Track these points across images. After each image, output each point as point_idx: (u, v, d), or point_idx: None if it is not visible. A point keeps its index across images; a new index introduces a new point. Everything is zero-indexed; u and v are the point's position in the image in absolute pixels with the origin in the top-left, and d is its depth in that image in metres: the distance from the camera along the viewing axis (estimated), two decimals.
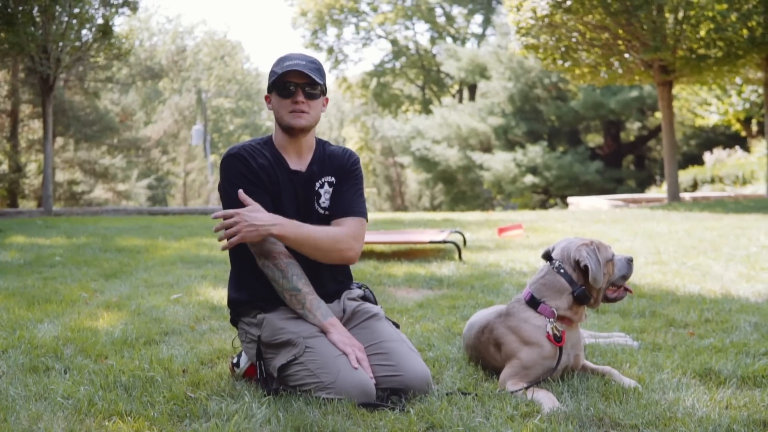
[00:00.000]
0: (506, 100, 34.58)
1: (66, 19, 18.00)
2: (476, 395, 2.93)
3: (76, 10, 17.89)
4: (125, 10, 19.77)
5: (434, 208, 41.55)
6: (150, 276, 6.53)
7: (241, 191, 3.05)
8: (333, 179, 3.25)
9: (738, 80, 22.98)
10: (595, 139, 36.80)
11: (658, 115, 29.28)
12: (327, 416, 2.68)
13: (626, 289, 3.30)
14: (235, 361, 3.31)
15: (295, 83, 3.08)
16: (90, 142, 29.08)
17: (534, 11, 18.85)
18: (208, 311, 4.88)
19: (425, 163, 36.98)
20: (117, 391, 3.02)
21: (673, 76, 19.54)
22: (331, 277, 3.27)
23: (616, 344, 3.80)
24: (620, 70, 20.05)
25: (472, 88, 41.42)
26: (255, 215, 2.99)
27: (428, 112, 42.29)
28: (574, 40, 19.60)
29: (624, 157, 35.91)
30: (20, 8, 16.70)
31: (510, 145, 34.28)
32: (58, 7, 17.30)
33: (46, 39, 17.59)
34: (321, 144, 3.31)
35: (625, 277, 3.25)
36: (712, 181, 27.18)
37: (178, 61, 37.89)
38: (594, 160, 32.65)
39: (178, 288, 5.86)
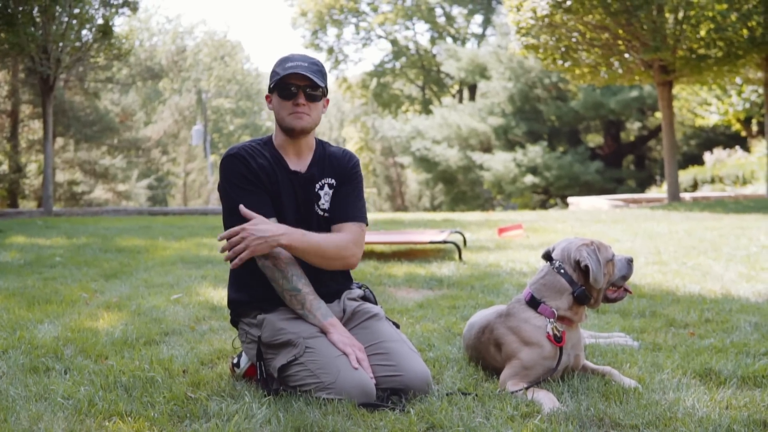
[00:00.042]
0: (506, 100, 34.58)
1: (66, 19, 18.00)
2: (476, 395, 2.93)
3: (76, 11, 17.89)
4: (125, 10, 19.77)
5: (434, 208, 41.54)
6: (150, 276, 6.53)
7: (242, 206, 3.03)
8: (333, 181, 3.26)
9: (738, 80, 22.98)
10: (595, 139, 36.80)
11: (658, 115, 29.28)
12: (327, 416, 2.68)
13: (626, 290, 3.30)
14: (235, 361, 3.31)
15: (297, 85, 3.08)
16: (90, 143, 29.08)
17: (534, 11, 18.85)
18: (209, 311, 4.88)
19: (425, 163, 36.98)
20: (117, 392, 3.02)
21: (673, 76, 19.54)
22: (330, 278, 3.27)
23: (616, 344, 3.80)
24: (620, 70, 20.05)
25: (472, 88, 41.42)
26: (261, 227, 2.98)
27: (428, 112, 42.29)
28: (574, 40, 19.59)
29: (624, 157, 35.91)
30: (20, 8, 16.70)
31: (510, 145, 34.28)
32: (58, 8, 17.30)
33: (46, 39, 17.59)
34: (321, 145, 3.31)
35: (625, 278, 3.25)
36: (713, 181, 27.18)
37: (178, 62, 37.90)
38: (594, 160, 32.65)
39: (178, 288, 5.86)
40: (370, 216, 16.83)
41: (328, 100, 3.22)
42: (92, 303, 5.22)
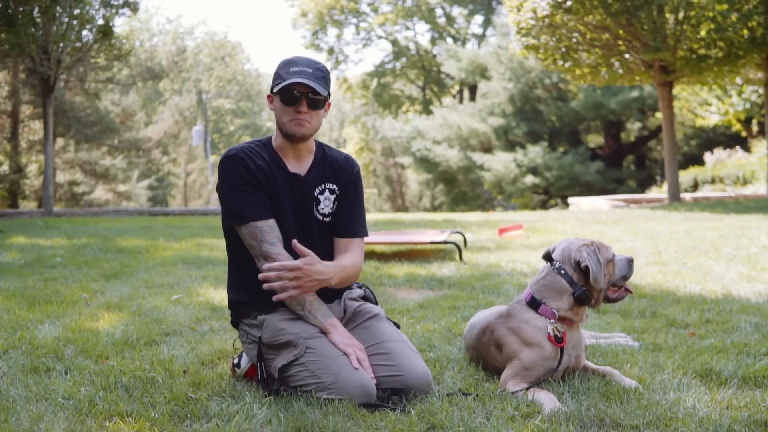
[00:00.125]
0: (507, 101, 34.58)
1: (66, 19, 18.00)
2: (477, 396, 2.93)
3: (77, 11, 17.90)
4: (125, 10, 19.78)
5: (435, 208, 41.54)
6: (150, 277, 6.53)
7: (295, 240, 2.99)
8: (335, 187, 3.25)
9: (738, 80, 22.98)
10: (595, 140, 36.80)
11: (659, 115, 29.29)
12: (328, 417, 2.68)
13: (627, 290, 3.30)
14: (236, 361, 3.31)
15: (300, 91, 3.06)
16: (90, 143, 29.09)
17: (534, 12, 18.85)
18: (209, 312, 4.88)
19: (426, 163, 36.98)
20: (118, 392, 3.02)
21: (673, 76, 19.54)
22: None
23: (616, 345, 3.80)
24: (621, 71, 20.05)
25: (473, 89, 41.43)
26: (317, 269, 2.98)
27: (429, 112, 42.29)
28: (574, 40, 19.60)
29: (624, 157, 35.91)
30: (21, 9, 16.71)
31: (510, 146, 34.29)
32: (58, 8, 17.30)
33: (46, 40, 17.59)
34: (321, 148, 3.30)
35: (625, 278, 3.25)
36: (713, 181, 27.18)
37: (179, 62, 37.89)
38: (594, 161, 32.65)
39: (178, 289, 5.86)
40: (371, 216, 16.86)
41: (329, 104, 3.21)
42: (93, 303, 5.22)
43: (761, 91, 23.50)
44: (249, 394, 2.96)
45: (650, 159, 36.27)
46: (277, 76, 3.11)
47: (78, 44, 18.76)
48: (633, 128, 35.57)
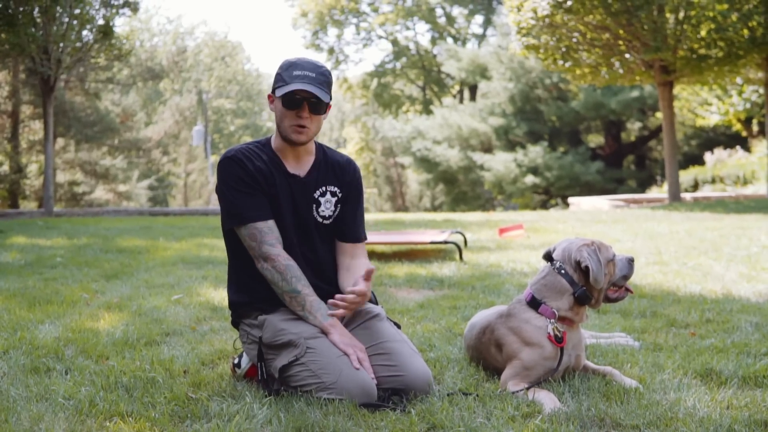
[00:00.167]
0: (507, 101, 34.58)
1: (66, 19, 18.01)
2: (477, 396, 2.93)
3: (77, 11, 17.90)
4: (126, 10, 19.78)
5: (435, 208, 41.55)
6: (151, 277, 6.53)
7: (360, 287, 3.02)
8: (336, 189, 3.25)
9: (739, 80, 22.99)
10: (595, 140, 36.81)
11: (659, 115, 29.29)
12: (328, 417, 2.68)
13: (627, 290, 3.29)
14: (236, 361, 3.31)
15: (302, 96, 3.05)
16: (91, 143, 29.10)
17: (535, 11, 18.85)
18: (209, 312, 4.88)
19: (426, 163, 36.98)
20: (118, 392, 3.02)
21: (673, 76, 19.54)
22: (330, 278, 3.27)
23: (617, 344, 3.80)
24: (621, 71, 20.05)
25: (473, 89, 41.43)
26: (369, 290, 3.08)
27: (429, 112, 42.30)
28: (574, 40, 19.60)
29: (625, 157, 35.92)
30: (21, 9, 16.71)
31: (511, 146, 34.29)
32: (58, 8, 17.31)
33: (46, 40, 17.60)
34: (321, 149, 3.30)
35: (626, 278, 3.25)
36: (713, 181, 27.18)
37: (179, 62, 37.91)
38: (595, 161, 32.66)
39: (179, 289, 5.86)
40: (371, 216, 16.87)
41: (330, 106, 3.20)
42: (93, 303, 5.22)
43: (761, 90, 23.50)
44: (249, 394, 2.96)
45: (650, 159, 36.27)
46: (280, 79, 3.09)
47: (78, 44, 18.77)
48: (633, 128, 35.58)
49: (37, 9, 17.13)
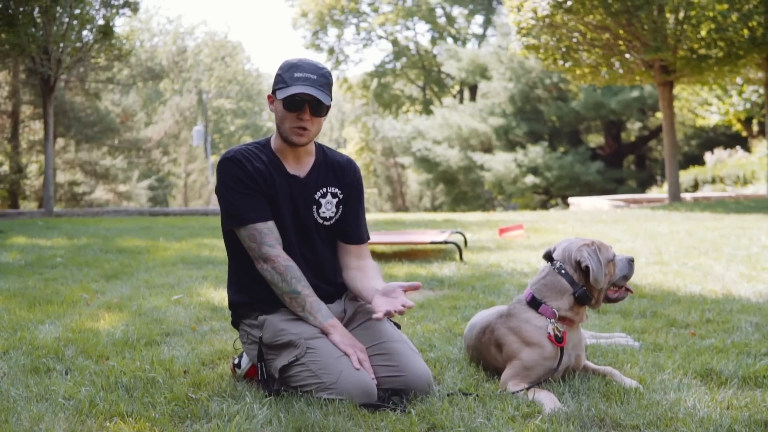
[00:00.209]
0: (507, 101, 34.58)
1: (67, 20, 18.01)
2: (477, 396, 2.93)
3: (77, 11, 17.90)
4: (126, 10, 19.79)
5: (435, 208, 41.55)
6: (151, 277, 6.53)
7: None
8: (337, 191, 3.25)
9: (739, 80, 22.99)
10: (595, 140, 36.81)
11: (659, 115, 29.29)
12: (328, 417, 2.68)
13: (627, 290, 3.29)
14: (236, 362, 3.31)
15: (304, 99, 3.03)
16: (91, 143, 29.11)
17: (535, 11, 18.85)
18: (209, 312, 4.88)
19: (426, 163, 36.99)
20: (118, 392, 3.02)
21: (673, 76, 19.54)
22: (330, 279, 3.27)
23: (617, 345, 3.80)
24: (621, 71, 20.05)
25: (473, 89, 41.43)
26: None
27: (429, 112, 42.30)
28: (574, 40, 19.60)
29: (625, 157, 35.92)
30: (21, 9, 16.72)
31: (511, 146, 34.29)
32: (58, 8, 17.31)
33: (46, 40, 17.60)
34: (321, 150, 3.29)
35: (626, 278, 3.25)
36: (713, 181, 27.18)
37: (179, 62, 37.92)
38: (595, 161, 32.66)
39: (179, 289, 5.86)
40: (371, 216, 16.87)
41: (329, 106, 3.19)
42: (93, 303, 5.22)
43: (761, 90, 23.50)
44: (249, 395, 2.96)
45: (650, 159, 36.28)
46: (280, 80, 3.07)
47: (78, 44, 18.77)
48: (633, 128, 35.58)
49: (37, 9, 17.14)
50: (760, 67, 19.93)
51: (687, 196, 22.72)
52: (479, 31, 46.80)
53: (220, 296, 5.42)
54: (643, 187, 32.96)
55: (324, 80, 3.06)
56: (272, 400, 2.89)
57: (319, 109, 3.07)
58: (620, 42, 19.19)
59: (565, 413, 2.71)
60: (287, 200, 3.16)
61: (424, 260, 7.52)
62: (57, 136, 26.06)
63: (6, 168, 26.32)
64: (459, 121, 35.69)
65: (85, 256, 8.11)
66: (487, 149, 35.36)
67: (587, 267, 3.11)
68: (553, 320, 3.13)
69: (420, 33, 74.47)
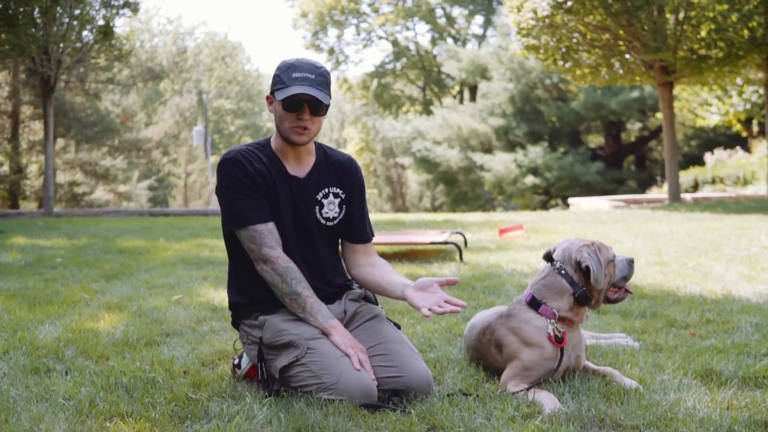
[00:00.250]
0: (507, 101, 34.58)
1: (67, 20, 18.01)
2: (477, 396, 2.93)
3: (77, 12, 17.90)
4: (126, 11, 19.80)
5: (435, 209, 41.55)
6: (151, 277, 6.53)
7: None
8: (339, 191, 3.25)
9: (739, 81, 23.00)
10: (595, 140, 36.81)
11: (659, 115, 29.29)
12: (328, 417, 2.68)
13: (627, 290, 3.29)
14: (236, 362, 3.31)
15: (303, 99, 3.03)
16: (91, 144, 29.11)
17: (535, 12, 18.86)
18: (209, 312, 4.88)
19: (426, 164, 36.99)
20: (118, 393, 3.02)
21: (673, 76, 19.54)
22: (330, 280, 3.27)
23: (617, 345, 3.80)
24: (621, 71, 20.06)
25: (473, 89, 41.43)
26: None
27: (429, 113, 42.30)
28: (574, 40, 19.60)
29: (625, 157, 35.92)
30: (21, 9, 16.72)
31: (511, 146, 34.30)
32: (58, 9, 17.31)
33: (46, 40, 17.60)
34: (321, 149, 3.29)
35: (626, 278, 3.25)
36: (713, 181, 27.18)
37: (179, 63, 37.92)
38: (595, 161, 32.67)
39: (179, 289, 5.86)
40: (371, 217, 16.84)
41: (329, 105, 3.19)
42: (93, 304, 5.22)
43: (761, 91, 23.50)
44: (249, 395, 2.96)
45: (650, 159, 36.28)
46: (279, 81, 3.06)
47: (78, 45, 18.77)
48: (633, 128, 35.58)
49: (37, 9, 17.14)
50: (760, 68, 19.94)
51: (687, 196, 22.72)
52: (479, 31, 46.84)
53: (220, 297, 5.42)
54: (643, 187, 32.97)
55: (322, 79, 3.06)
56: (272, 400, 2.89)
57: (319, 108, 3.06)
58: (620, 42, 19.19)
59: (565, 414, 2.71)
60: (288, 201, 3.16)
61: (424, 261, 7.52)
62: (57, 136, 26.06)
63: (6, 168, 26.32)
64: (459, 122, 35.69)
65: (85, 257, 8.11)
66: (487, 150, 35.36)
67: (587, 267, 3.11)
68: (553, 321, 3.13)
69: (420, 33, 74.52)
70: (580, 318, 3.20)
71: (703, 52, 18.37)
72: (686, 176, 28.07)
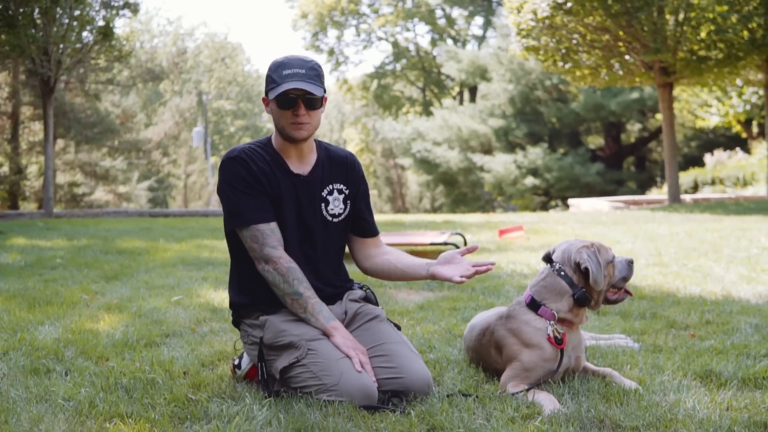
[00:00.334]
0: (507, 102, 34.58)
1: (67, 21, 18.01)
2: (477, 397, 2.93)
3: (77, 12, 17.90)
4: (126, 12, 19.80)
5: (435, 209, 41.55)
6: (151, 278, 6.53)
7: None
8: (343, 187, 3.25)
9: (738, 82, 22.99)
10: (595, 141, 36.81)
11: (659, 116, 29.29)
12: (328, 418, 2.68)
13: (627, 291, 3.29)
14: (236, 362, 3.31)
15: (296, 94, 3.03)
16: (91, 144, 29.11)
17: (534, 13, 18.86)
18: (209, 313, 4.88)
19: (426, 164, 36.99)
20: (118, 393, 3.02)
21: (673, 77, 19.54)
22: (332, 280, 3.28)
23: (616, 346, 3.80)
24: (621, 72, 20.06)
25: (473, 90, 41.43)
26: None
27: (429, 113, 42.30)
28: (574, 41, 19.61)
29: (624, 158, 35.92)
30: (21, 10, 16.72)
31: (511, 147, 34.30)
32: (58, 9, 17.31)
33: (46, 41, 17.60)
34: (322, 146, 3.30)
35: (625, 279, 3.25)
36: (713, 182, 27.18)
37: (179, 63, 37.96)
38: (595, 162, 32.67)
39: (178, 290, 5.86)
40: None
41: (326, 99, 3.17)
42: (93, 305, 5.22)
43: (761, 92, 23.51)
44: (249, 396, 2.96)
45: (650, 160, 36.28)
46: (271, 81, 3.07)
47: (78, 45, 18.77)
48: (633, 129, 35.58)
49: (37, 10, 17.13)
50: (759, 69, 19.94)
51: (687, 197, 22.72)
52: (479, 32, 46.82)
53: (220, 297, 5.42)
54: (642, 188, 32.96)
55: (313, 72, 3.06)
56: (272, 401, 2.89)
57: (313, 102, 3.06)
58: (620, 43, 19.19)
59: (564, 414, 2.71)
60: (291, 199, 3.16)
61: None
62: (57, 137, 26.06)
63: (6, 169, 26.31)
64: (459, 123, 35.69)
65: (85, 257, 8.11)
66: (487, 150, 35.36)
67: (587, 269, 3.12)
68: (552, 322, 3.13)
69: (420, 34, 74.42)
70: (580, 319, 3.20)
71: (702, 53, 18.37)
72: (686, 177, 28.07)
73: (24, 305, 5.11)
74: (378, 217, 17.27)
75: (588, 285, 3.15)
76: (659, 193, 27.71)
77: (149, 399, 2.94)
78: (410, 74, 47.83)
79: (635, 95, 30.49)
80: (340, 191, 3.25)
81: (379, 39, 47.47)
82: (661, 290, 5.60)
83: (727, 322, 4.38)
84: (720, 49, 18.06)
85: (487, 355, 3.30)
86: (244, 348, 3.27)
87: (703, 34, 18.08)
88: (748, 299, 5.18)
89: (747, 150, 29.45)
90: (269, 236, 3.07)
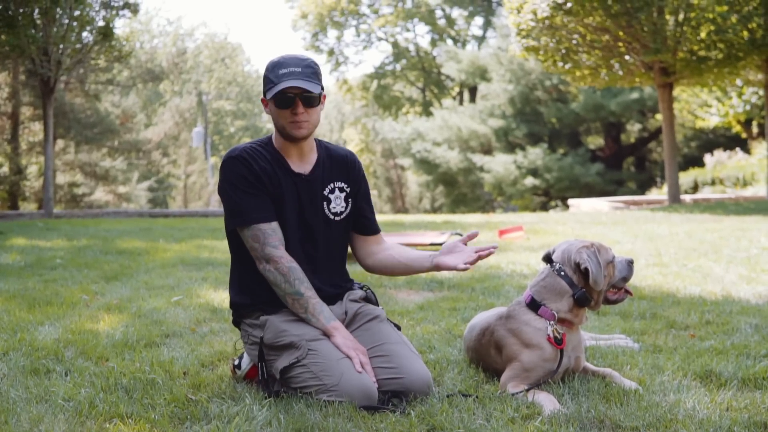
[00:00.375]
0: (507, 102, 34.59)
1: (66, 21, 18.00)
2: (477, 397, 2.93)
3: (77, 13, 17.90)
4: (126, 12, 19.80)
5: (435, 210, 41.55)
6: (151, 278, 6.53)
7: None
8: (344, 185, 3.26)
9: (738, 82, 23.00)
10: (595, 141, 36.81)
11: (659, 116, 29.29)
12: (328, 418, 2.68)
13: (627, 291, 3.29)
14: (236, 363, 3.31)
15: (293, 93, 3.03)
16: (90, 145, 29.11)
17: (534, 13, 18.86)
18: (209, 313, 4.88)
19: (426, 165, 36.99)
20: (118, 394, 3.02)
21: (673, 77, 19.54)
22: (333, 280, 3.28)
23: (616, 346, 3.80)
24: (621, 72, 20.06)
25: (473, 90, 41.44)
26: None
27: (429, 114, 42.30)
28: (574, 42, 19.61)
29: (624, 158, 35.92)
30: (21, 10, 16.72)
31: (510, 147, 34.30)
32: (58, 10, 17.31)
33: (46, 41, 17.59)
34: (322, 145, 3.30)
35: (625, 279, 3.25)
36: (713, 182, 27.18)
37: (179, 64, 37.95)
38: (594, 162, 32.67)
39: (178, 290, 5.86)
40: None
41: (324, 96, 3.18)
42: (93, 305, 5.22)
43: (761, 92, 23.51)
44: (249, 396, 2.96)
45: (650, 160, 36.28)
46: (268, 81, 3.07)
47: (78, 46, 18.76)
48: (633, 130, 35.58)
49: (37, 10, 17.13)
50: (759, 69, 19.94)
51: (687, 197, 22.72)
52: (479, 32, 46.83)
53: (220, 298, 5.42)
54: (642, 188, 32.96)
55: (309, 70, 3.06)
56: (272, 401, 2.89)
57: (311, 99, 3.06)
58: (620, 44, 19.19)
59: (564, 415, 2.71)
60: (293, 198, 3.16)
61: None
62: (57, 137, 26.06)
63: (6, 169, 26.31)
64: (459, 123, 35.69)
65: (85, 258, 8.11)
66: (487, 151, 35.37)
67: (587, 269, 3.12)
68: (552, 322, 3.13)
69: (420, 35, 74.33)
70: (580, 319, 3.20)
71: (702, 53, 18.37)
72: (686, 177, 28.07)
73: (24, 305, 5.11)
74: (378, 218, 17.22)
75: (588, 285, 3.15)
76: (659, 194, 27.72)
77: (149, 399, 2.94)
78: (410, 74, 47.83)
79: (635, 95, 30.49)
80: (341, 189, 3.25)
81: (379, 39, 47.49)
82: (661, 290, 5.60)
83: (727, 323, 4.38)
84: (720, 49, 18.06)
85: (487, 356, 3.30)
86: (244, 348, 3.27)
87: (703, 35, 18.08)
88: (748, 299, 5.18)
89: (747, 150, 29.45)
90: (270, 236, 3.07)
